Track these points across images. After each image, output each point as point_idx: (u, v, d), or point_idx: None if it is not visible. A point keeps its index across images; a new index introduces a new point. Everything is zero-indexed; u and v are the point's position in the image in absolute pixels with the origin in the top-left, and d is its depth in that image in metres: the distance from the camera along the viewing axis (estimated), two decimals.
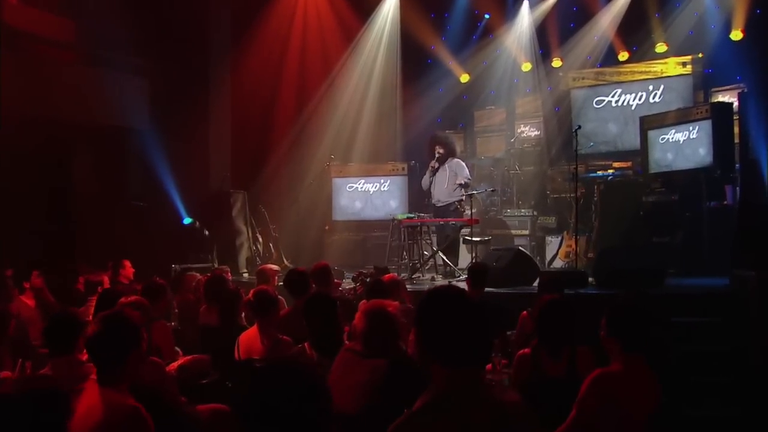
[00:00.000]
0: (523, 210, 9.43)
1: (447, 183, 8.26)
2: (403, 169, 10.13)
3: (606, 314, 3.08)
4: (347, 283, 7.21)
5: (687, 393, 4.65)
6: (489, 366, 4.21)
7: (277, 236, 9.22)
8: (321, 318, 3.69)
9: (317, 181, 9.70)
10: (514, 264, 6.76)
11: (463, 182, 8.08)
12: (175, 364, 4.43)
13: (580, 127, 7.48)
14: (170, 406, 3.47)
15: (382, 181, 10.21)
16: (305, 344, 3.73)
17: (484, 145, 11.22)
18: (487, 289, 6.57)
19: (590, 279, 6.56)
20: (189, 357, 4.60)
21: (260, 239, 9.12)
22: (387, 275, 5.74)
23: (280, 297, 5.47)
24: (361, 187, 10.27)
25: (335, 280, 6.25)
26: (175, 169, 8.49)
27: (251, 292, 4.55)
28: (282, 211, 9.59)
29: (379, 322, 3.21)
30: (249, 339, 4.42)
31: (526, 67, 10.99)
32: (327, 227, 10.17)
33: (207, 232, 8.46)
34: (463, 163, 8.52)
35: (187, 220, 8.50)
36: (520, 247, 7.27)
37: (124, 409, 2.54)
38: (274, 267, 6.70)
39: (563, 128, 10.28)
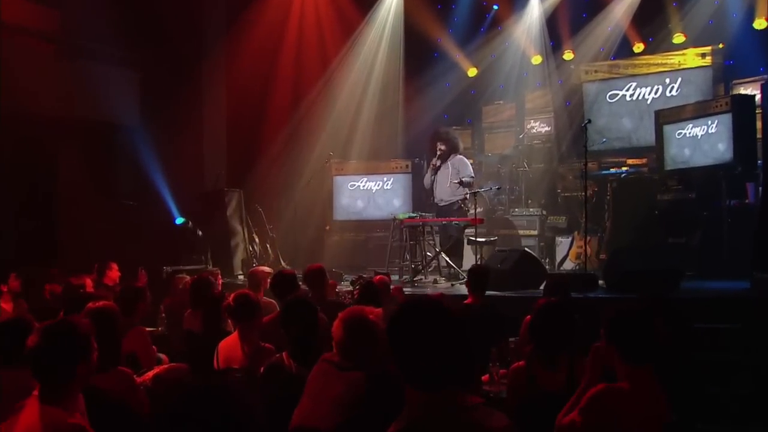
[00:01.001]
0: (531, 209, 9.20)
1: (449, 181, 8.05)
2: (407, 166, 9.97)
3: (604, 321, 2.83)
4: (346, 287, 7.01)
5: (701, 407, 4.37)
6: (486, 377, 4.04)
7: (275, 237, 9.06)
8: (299, 325, 3.48)
9: (317, 179, 9.52)
10: (519, 266, 6.58)
11: (462, 180, 7.83)
12: (150, 374, 4.22)
13: (589, 121, 7.23)
14: (134, 419, 3.32)
15: (385, 179, 10.05)
16: (283, 354, 3.51)
17: (493, 142, 11.00)
18: (491, 292, 6.41)
19: (600, 281, 6.37)
20: (165, 366, 4.40)
21: (257, 240, 8.96)
22: (377, 277, 5.54)
23: (272, 300, 5.34)
24: (363, 186, 10.11)
25: (330, 282, 6.07)
26: (167, 167, 8.34)
27: (231, 296, 4.34)
28: (279, 210, 9.47)
29: (358, 331, 2.99)
30: (229, 346, 4.22)
31: (536, 60, 10.79)
32: (327, 227, 10.03)
33: (200, 233, 8.32)
34: (467, 160, 8.30)
35: (179, 220, 8.36)
36: (526, 248, 7.04)
37: (66, 429, 2.33)
38: (266, 269, 6.49)
39: (574, 124, 10.03)
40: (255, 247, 8.92)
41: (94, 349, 2.58)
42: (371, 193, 10.06)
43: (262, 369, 3.58)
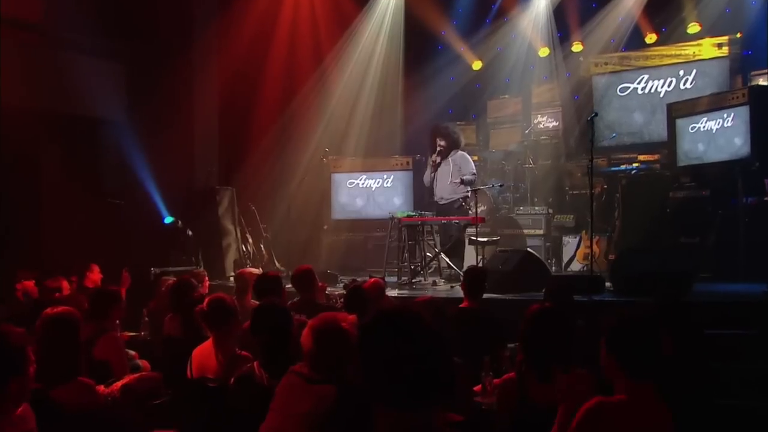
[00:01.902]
0: (537, 207, 8.96)
1: (450, 178, 7.87)
2: (408, 163, 9.79)
3: (604, 330, 2.59)
4: (341, 289, 6.79)
5: (712, 420, 4.11)
6: (479, 387, 3.82)
7: (268, 236, 8.88)
8: (270, 332, 3.26)
9: (314, 177, 9.40)
10: (522, 267, 6.39)
11: (464, 178, 7.60)
12: (118, 384, 4.02)
13: (596, 114, 7.04)
14: None
15: (385, 176, 9.89)
16: (255, 364, 3.30)
17: (498, 138, 10.78)
18: (492, 295, 6.28)
19: (608, 284, 6.17)
20: (136, 375, 4.19)
21: (250, 240, 8.81)
22: (370, 280, 5.32)
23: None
24: (363, 183, 9.96)
25: (320, 285, 5.86)
26: (155, 164, 8.16)
27: (206, 300, 4.13)
28: (274, 209, 9.25)
29: (329, 340, 2.77)
30: (203, 354, 4.02)
31: (544, 52, 10.55)
32: (325, 227, 9.86)
33: (190, 233, 8.17)
34: (469, 157, 8.10)
35: (168, 220, 8.21)
36: (529, 249, 6.79)
37: None
38: (255, 270, 6.32)
39: (583, 118, 9.69)
40: (248, 247, 8.77)
41: (30, 362, 2.37)
42: (371, 191, 9.90)
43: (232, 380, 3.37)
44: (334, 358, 2.76)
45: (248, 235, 8.81)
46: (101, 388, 3.99)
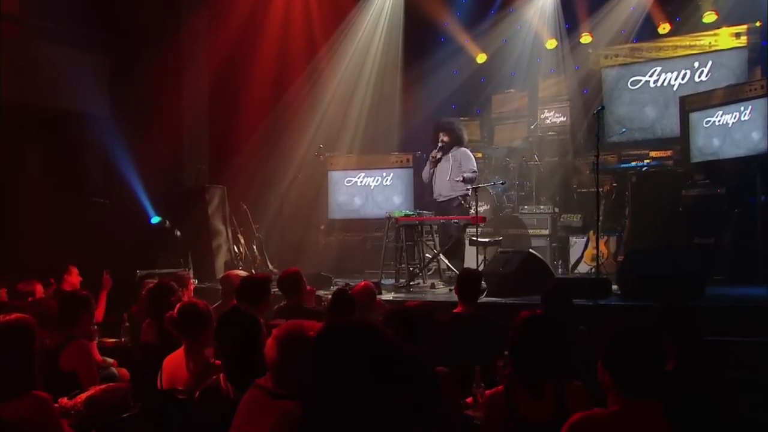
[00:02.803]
0: (542, 206, 8.74)
1: (450, 175, 7.67)
2: (408, 160, 9.64)
3: (600, 340, 2.39)
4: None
5: None
6: (470, 399, 3.66)
7: (261, 237, 8.71)
8: (235, 341, 3.05)
9: (309, 174, 9.27)
10: (523, 269, 6.21)
11: (465, 177, 7.39)
12: (82, 396, 3.83)
13: (602, 107, 6.87)
14: None
15: (384, 174, 9.74)
16: (221, 376, 3.10)
17: (503, 133, 10.59)
18: (492, 299, 6.13)
19: (614, 287, 5.98)
20: (103, 387, 4.01)
21: (242, 241, 8.65)
22: (361, 284, 5.11)
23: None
24: (361, 182, 9.82)
25: (308, 289, 5.67)
26: (141, 161, 8.00)
27: (177, 306, 3.94)
28: (267, 208, 9.12)
29: (295, 351, 2.56)
30: (174, 363, 3.83)
31: (551, 44, 10.39)
32: (322, 226, 9.70)
33: (178, 233, 8.01)
34: (470, 153, 7.89)
35: (155, 219, 8.06)
36: (531, 250, 6.58)
37: None
38: (242, 273, 6.13)
39: (591, 113, 9.53)
40: (240, 248, 8.61)
41: None
42: (369, 190, 9.76)
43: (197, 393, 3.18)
44: (300, 371, 2.56)
45: (240, 236, 8.65)
46: (64, 400, 3.82)
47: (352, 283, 6.61)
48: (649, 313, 3.49)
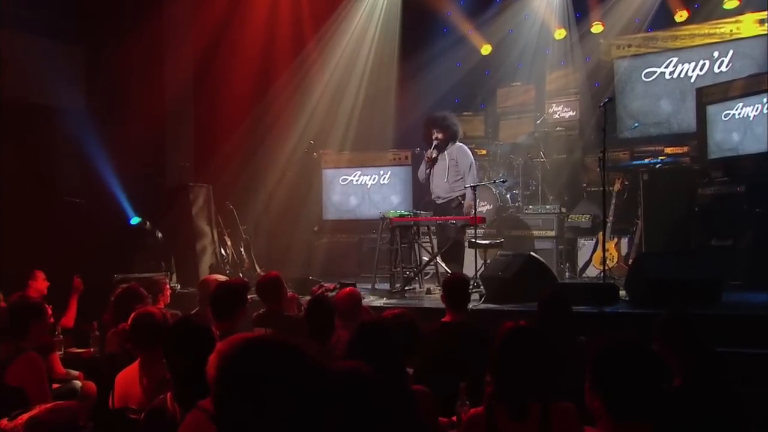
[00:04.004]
0: (548, 206, 8.49)
1: (447, 174, 7.46)
2: (407, 157, 9.44)
3: (588, 359, 2.14)
4: None
5: None
6: (454, 418, 3.45)
7: (249, 239, 8.52)
8: (184, 356, 2.82)
9: (301, 173, 9.13)
10: (523, 273, 5.96)
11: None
12: (24, 416, 3.59)
13: (609, 99, 6.64)
14: None
15: (381, 172, 9.55)
16: (168, 395, 2.86)
17: (508, 129, 10.36)
18: (490, 305, 5.91)
19: (622, 293, 5.75)
20: (49, 405, 3.77)
21: (228, 243, 8.43)
22: (346, 289, 4.88)
23: None
24: (357, 180, 9.64)
25: (289, 295, 5.45)
26: (120, 158, 7.80)
27: (130, 317, 3.71)
28: (255, 208, 8.94)
29: None
30: (127, 379, 3.61)
31: (560, 34, 10.19)
32: (316, 228, 9.52)
33: (160, 235, 7.81)
34: (467, 149, 7.67)
35: (134, 220, 7.87)
36: (532, 252, 6.35)
37: None
38: (221, 277, 5.92)
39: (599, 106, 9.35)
40: (226, 251, 8.39)
41: None
42: (366, 189, 9.58)
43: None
44: None
45: (226, 238, 8.43)
46: (3, 422, 3.60)
47: (328, 286, 6.49)
48: (654, 322, 3.23)
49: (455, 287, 4.42)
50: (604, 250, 6.47)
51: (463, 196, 7.39)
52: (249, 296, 5.29)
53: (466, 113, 10.36)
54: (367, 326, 3.11)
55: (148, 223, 7.86)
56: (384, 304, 6.37)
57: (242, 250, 8.50)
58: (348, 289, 4.96)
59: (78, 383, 5.00)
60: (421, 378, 3.77)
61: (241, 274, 8.08)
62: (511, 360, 2.63)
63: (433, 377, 3.79)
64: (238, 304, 4.51)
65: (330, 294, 5.70)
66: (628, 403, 2.03)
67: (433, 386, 3.52)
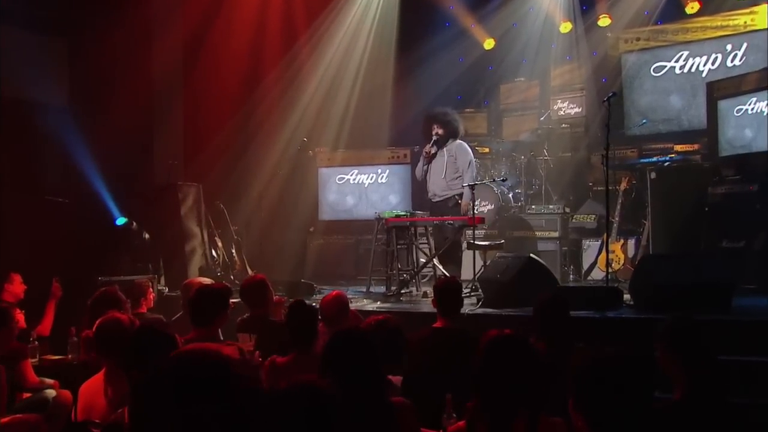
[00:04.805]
0: (551, 206, 8.33)
1: (445, 171, 7.33)
2: (406, 155, 9.31)
3: (570, 375, 1.98)
4: (316, 301, 6.25)
5: None
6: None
7: (241, 240, 8.41)
8: (140, 368, 2.68)
9: (294, 171, 9.01)
10: (522, 276, 5.80)
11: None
12: None
13: (614, 94, 6.47)
14: None
15: (379, 171, 9.43)
16: (124, 409, 2.71)
17: (512, 126, 10.26)
18: (488, 310, 5.75)
19: (626, 296, 5.60)
20: (6, 419, 3.64)
21: (219, 244, 8.33)
22: (332, 293, 4.74)
23: None
24: (354, 179, 9.52)
25: (275, 299, 5.31)
26: (105, 156, 7.65)
27: (95, 323, 3.57)
28: (247, 208, 8.80)
29: None
30: (91, 390, 3.48)
31: (565, 27, 10.07)
32: (311, 228, 9.42)
33: (147, 236, 7.69)
34: (467, 146, 7.55)
35: (120, 221, 7.73)
36: (531, 255, 6.19)
37: None
38: (205, 281, 5.79)
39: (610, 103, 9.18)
40: (216, 252, 8.29)
41: None
42: (363, 188, 9.46)
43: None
44: None
45: (217, 239, 8.34)
46: None
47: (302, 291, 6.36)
48: (656, 328, 3.05)
49: (447, 292, 4.29)
50: (607, 251, 6.30)
51: (461, 195, 7.27)
52: (234, 300, 5.24)
53: (468, 110, 10.26)
54: (342, 335, 2.95)
55: (134, 223, 7.71)
56: (377, 308, 6.24)
57: (233, 251, 8.39)
58: (334, 292, 4.83)
59: (52, 392, 4.86)
60: (410, 387, 3.64)
61: (232, 276, 7.99)
62: (493, 371, 2.47)
63: (422, 386, 3.67)
64: (218, 309, 4.37)
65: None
66: (614, 423, 1.86)
67: (422, 396, 3.39)
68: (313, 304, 5.85)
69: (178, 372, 1.41)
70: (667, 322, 2.89)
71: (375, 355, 2.94)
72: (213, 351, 1.72)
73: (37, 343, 5.34)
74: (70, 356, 5.34)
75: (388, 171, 9.32)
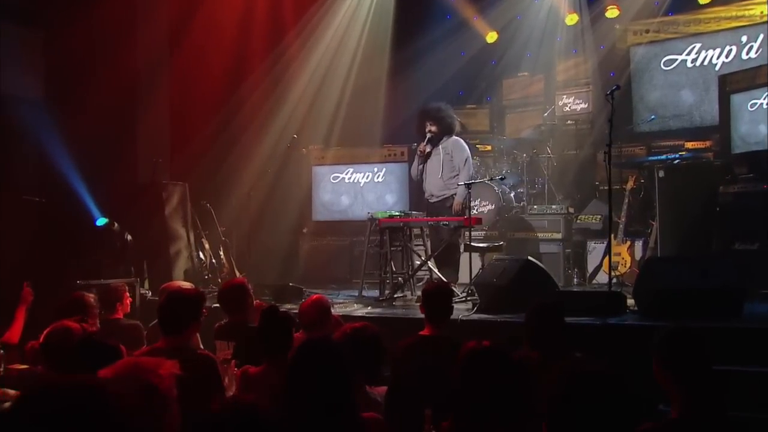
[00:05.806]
0: (554, 206, 8.15)
1: (441, 170, 7.17)
2: (403, 153, 9.18)
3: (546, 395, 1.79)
4: None
5: None
6: None
7: (228, 242, 8.28)
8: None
9: (287, 169, 8.95)
10: (520, 280, 5.63)
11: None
12: None
13: (617, 87, 6.29)
14: None
15: (375, 169, 9.32)
16: None
17: (515, 123, 10.15)
18: (484, 315, 5.59)
19: (630, 302, 5.40)
20: None
21: (206, 246, 8.19)
22: (312, 297, 4.57)
23: None
24: (349, 178, 9.42)
25: (256, 304, 5.14)
26: (85, 153, 7.51)
27: (44, 332, 3.40)
28: (236, 208, 8.64)
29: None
30: None
31: (572, 19, 9.93)
32: (305, 229, 9.33)
33: (129, 237, 7.54)
34: (463, 142, 7.39)
35: (101, 221, 7.59)
36: (529, 257, 6.02)
37: None
38: (185, 285, 5.66)
39: (618, 99, 9.00)
40: (203, 254, 8.15)
41: None
42: (359, 187, 9.34)
43: None
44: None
45: (204, 240, 8.20)
46: None
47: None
48: (651, 340, 2.85)
49: (435, 297, 4.14)
50: (610, 253, 6.13)
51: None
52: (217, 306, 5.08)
53: (469, 106, 10.16)
54: (308, 345, 2.77)
55: (116, 224, 7.54)
56: (366, 313, 6.06)
57: (221, 253, 8.25)
58: (314, 296, 4.66)
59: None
60: (394, 398, 3.47)
61: (219, 280, 7.86)
62: (470, 387, 2.31)
63: (406, 398, 3.50)
64: (189, 317, 4.17)
65: None
66: None
67: (407, 408, 3.23)
68: (294, 310, 5.77)
69: (32, 407, 1.30)
70: (660, 333, 2.68)
71: (344, 367, 2.75)
72: (93, 381, 1.61)
73: (2, 351, 5.19)
74: (39, 366, 5.19)
75: (384, 169, 9.22)
